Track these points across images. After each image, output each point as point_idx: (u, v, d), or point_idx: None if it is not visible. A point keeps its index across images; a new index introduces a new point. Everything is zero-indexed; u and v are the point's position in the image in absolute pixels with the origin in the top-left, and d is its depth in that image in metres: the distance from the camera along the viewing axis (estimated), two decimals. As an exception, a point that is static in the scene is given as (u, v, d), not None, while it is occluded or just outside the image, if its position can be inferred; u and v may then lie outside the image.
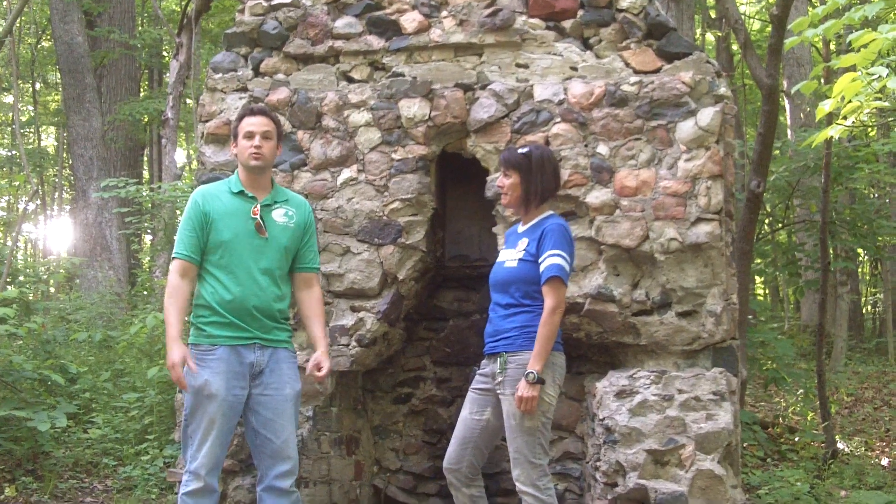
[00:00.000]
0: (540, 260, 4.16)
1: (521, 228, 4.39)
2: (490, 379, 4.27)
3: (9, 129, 19.30)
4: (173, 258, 4.23)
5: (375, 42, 5.39)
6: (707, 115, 4.90)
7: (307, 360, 4.31)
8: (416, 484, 5.73)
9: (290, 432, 4.18)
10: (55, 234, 22.84)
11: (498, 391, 4.20)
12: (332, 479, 5.31)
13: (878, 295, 19.84)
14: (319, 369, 4.26)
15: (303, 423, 5.10)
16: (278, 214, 4.29)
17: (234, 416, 4.14)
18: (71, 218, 17.49)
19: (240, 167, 4.34)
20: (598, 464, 4.80)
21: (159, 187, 10.44)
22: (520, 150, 4.37)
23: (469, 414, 4.33)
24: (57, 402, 7.04)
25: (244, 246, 4.19)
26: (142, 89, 17.51)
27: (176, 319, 4.08)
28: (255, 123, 4.28)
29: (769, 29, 8.13)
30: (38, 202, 21.06)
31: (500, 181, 4.38)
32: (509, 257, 4.32)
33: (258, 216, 4.23)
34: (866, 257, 17.37)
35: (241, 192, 4.27)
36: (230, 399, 4.08)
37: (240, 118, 4.35)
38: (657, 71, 5.08)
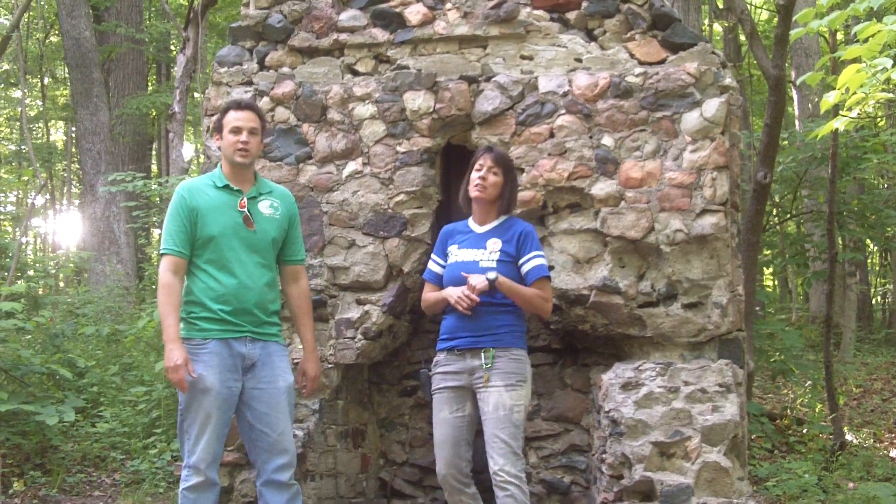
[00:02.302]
0: (523, 260, 4.23)
1: (480, 229, 4.35)
2: (465, 375, 4.23)
3: (17, 123, 19.34)
4: (162, 254, 4.15)
5: (380, 35, 5.38)
6: (712, 106, 4.89)
7: (297, 357, 4.37)
8: (423, 476, 5.73)
9: (285, 425, 4.17)
10: (64, 228, 22.90)
11: (478, 385, 4.17)
12: (339, 472, 5.32)
13: (887, 286, 19.76)
14: (304, 375, 4.43)
15: (309, 416, 5.11)
16: (264, 206, 4.27)
17: (229, 410, 4.13)
18: (79, 212, 17.52)
19: (223, 161, 4.30)
20: (603, 456, 4.79)
21: (167, 181, 10.45)
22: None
23: (450, 414, 4.28)
24: (65, 396, 7.06)
25: (234, 240, 4.15)
26: (149, 83, 17.51)
27: (174, 319, 4.04)
28: (242, 118, 4.22)
29: (776, 19, 8.10)
30: (47, 197, 21.11)
31: (485, 174, 4.29)
32: (482, 258, 4.25)
33: (245, 209, 4.22)
34: (875, 248, 17.29)
35: (226, 186, 4.23)
36: (224, 392, 4.07)
37: (224, 111, 4.28)
38: (662, 62, 5.06)
